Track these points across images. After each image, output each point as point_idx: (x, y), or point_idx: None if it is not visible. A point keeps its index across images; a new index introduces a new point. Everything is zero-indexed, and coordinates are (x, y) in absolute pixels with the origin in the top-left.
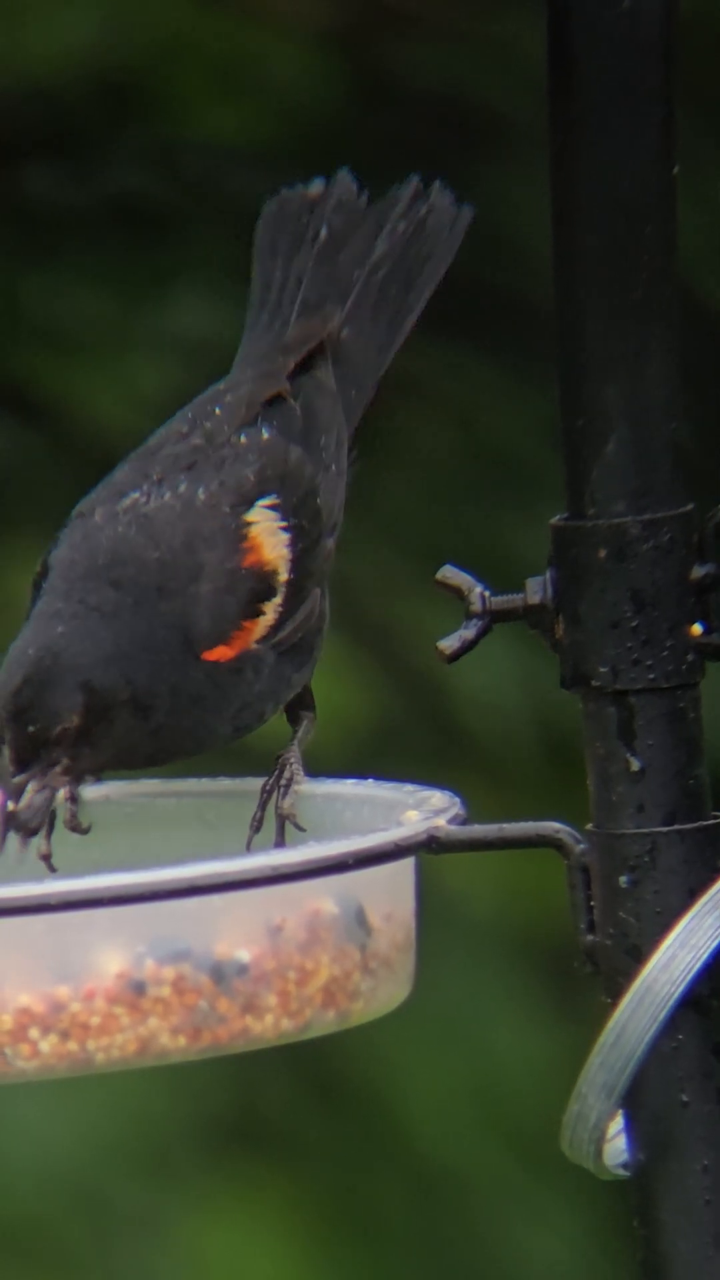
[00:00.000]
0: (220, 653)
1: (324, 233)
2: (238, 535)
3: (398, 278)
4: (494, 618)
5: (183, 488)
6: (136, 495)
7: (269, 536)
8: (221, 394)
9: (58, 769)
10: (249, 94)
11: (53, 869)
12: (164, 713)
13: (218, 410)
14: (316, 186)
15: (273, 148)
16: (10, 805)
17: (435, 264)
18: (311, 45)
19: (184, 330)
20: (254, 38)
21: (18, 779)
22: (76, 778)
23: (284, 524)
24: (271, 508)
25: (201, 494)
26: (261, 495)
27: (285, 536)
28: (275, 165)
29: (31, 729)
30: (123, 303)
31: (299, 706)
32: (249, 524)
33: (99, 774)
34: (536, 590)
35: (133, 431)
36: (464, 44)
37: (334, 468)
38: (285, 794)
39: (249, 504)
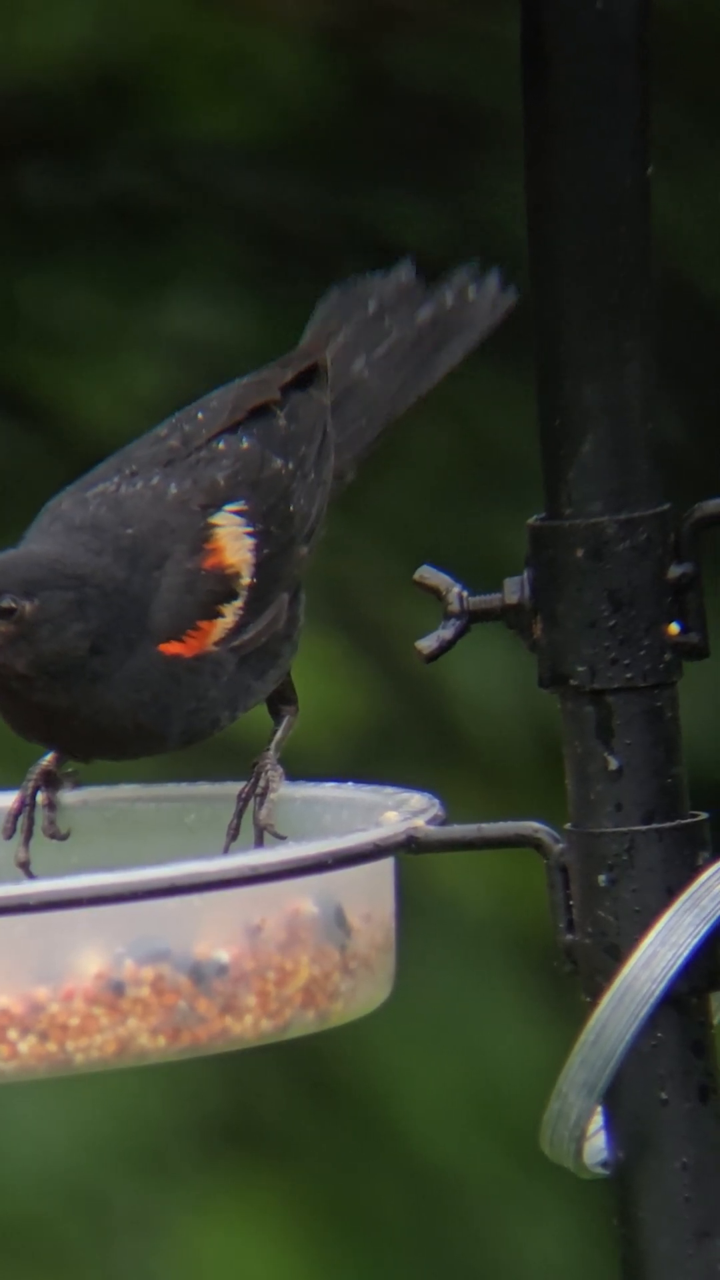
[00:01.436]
0: (175, 649)
1: (373, 305)
2: (202, 535)
3: (431, 340)
4: (472, 618)
5: (155, 480)
6: (106, 485)
7: (233, 540)
8: (209, 400)
9: None
10: (247, 93)
11: (31, 875)
12: (113, 653)
13: (200, 415)
14: (377, 278)
15: (271, 147)
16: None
17: (470, 333)
18: (309, 44)
19: (181, 330)
20: (252, 37)
21: None
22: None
23: (250, 529)
24: (239, 513)
25: (173, 489)
26: (230, 499)
27: (250, 541)
28: (273, 164)
29: None
30: (120, 303)
31: (280, 701)
32: (214, 526)
33: (71, 755)
34: (514, 590)
35: (130, 432)
36: (462, 43)
37: (312, 476)
38: (262, 803)
39: (217, 506)
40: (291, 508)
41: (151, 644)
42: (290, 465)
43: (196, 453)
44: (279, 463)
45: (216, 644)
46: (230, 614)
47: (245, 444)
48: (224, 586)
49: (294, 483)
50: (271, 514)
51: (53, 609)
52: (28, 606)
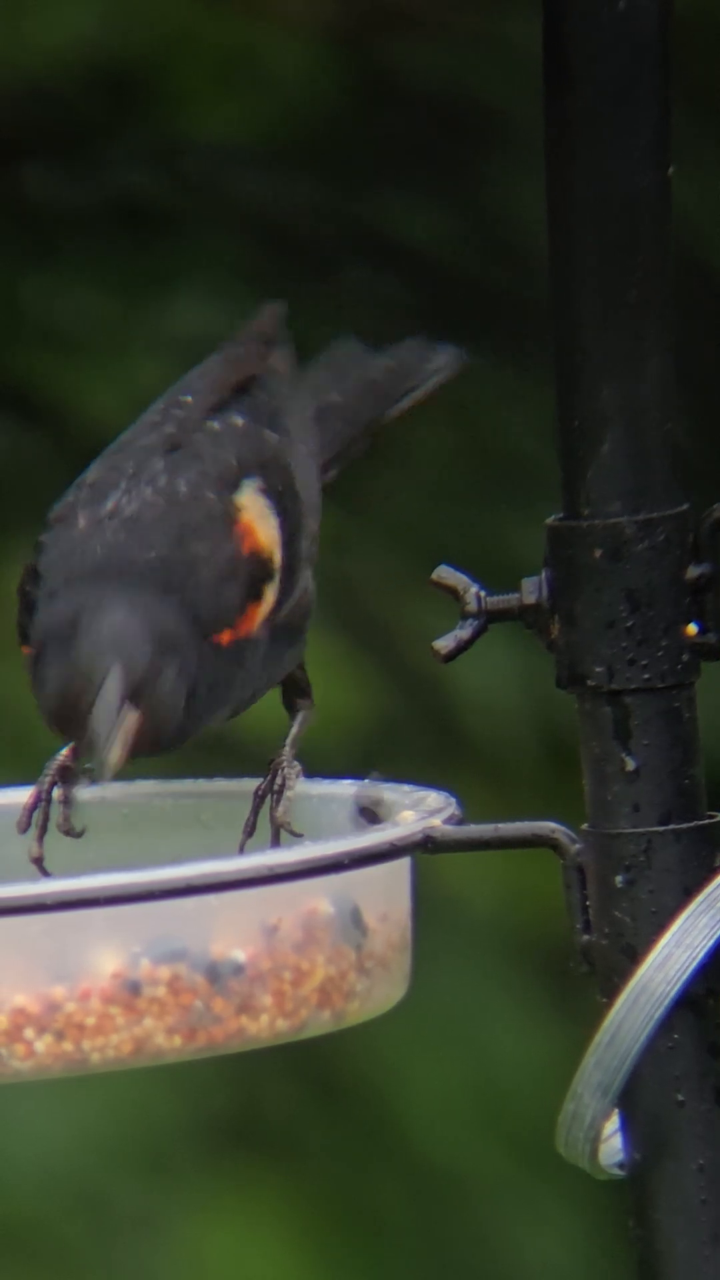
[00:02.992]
0: (225, 636)
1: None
2: (229, 520)
3: (390, 383)
4: (489, 618)
5: (163, 481)
6: (117, 497)
7: (261, 520)
8: (189, 382)
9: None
10: (250, 92)
11: (45, 872)
12: (201, 686)
13: (189, 398)
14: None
15: (275, 146)
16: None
17: (428, 378)
18: (313, 44)
19: (184, 329)
20: (255, 36)
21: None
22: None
23: (272, 506)
24: (259, 491)
25: (183, 486)
26: (246, 477)
27: (275, 520)
28: (276, 164)
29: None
30: (123, 302)
31: (295, 694)
32: (239, 509)
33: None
34: (532, 590)
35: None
36: (465, 43)
37: (303, 449)
38: (279, 801)
39: (235, 487)
40: (297, 484)
41: (205, 640)
42: (283, 438)
43: (194, 435)
44: (273, 437)
45: (260, 625)
46: (271, 594)
47: (239, 421)
48: (262, 570)
49: (290, 456)
50: (285, 492)
51: (164, 684)
52: (131, 699)
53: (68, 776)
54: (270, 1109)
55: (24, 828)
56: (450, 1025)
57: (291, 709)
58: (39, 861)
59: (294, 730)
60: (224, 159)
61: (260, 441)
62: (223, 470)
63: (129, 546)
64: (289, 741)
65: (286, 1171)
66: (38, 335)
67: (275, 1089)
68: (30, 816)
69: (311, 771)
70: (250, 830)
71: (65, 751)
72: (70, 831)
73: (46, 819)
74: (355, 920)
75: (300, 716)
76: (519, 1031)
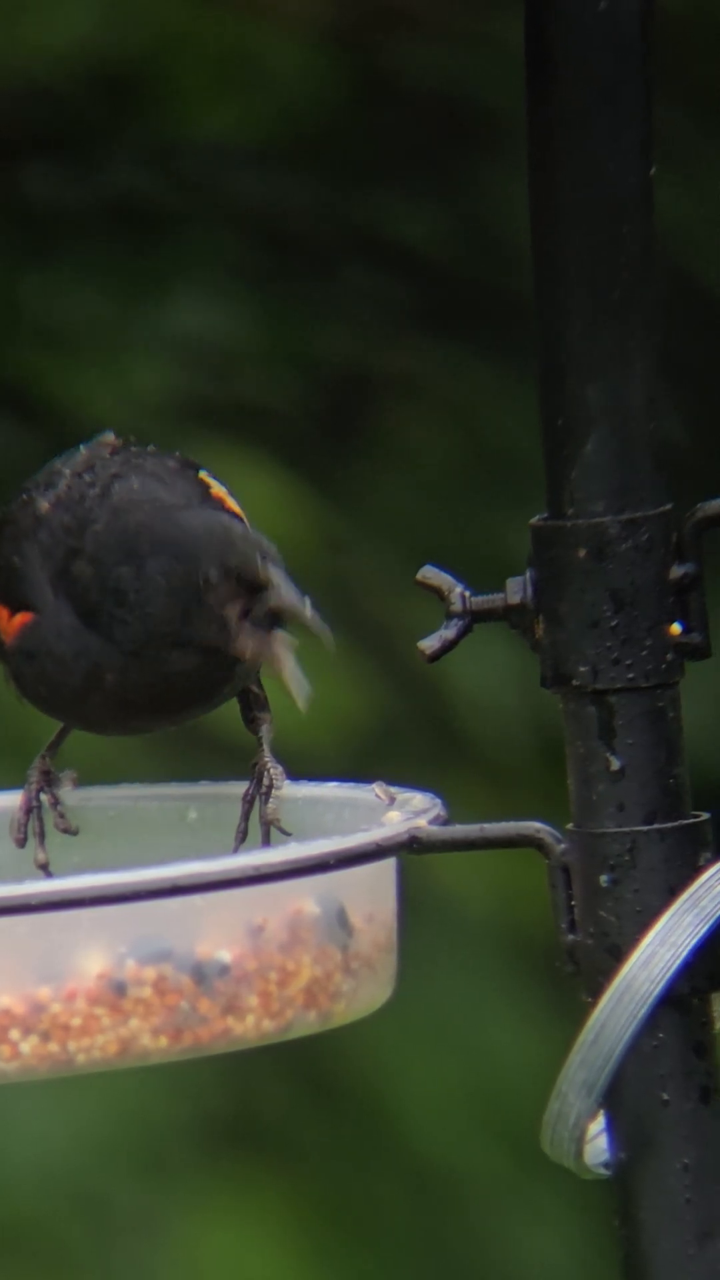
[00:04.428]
0: None
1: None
2: (204, 488)
3: None
4: (474, 618)
5: (133, 478)
6: (101, 484)
7: (229, 498)
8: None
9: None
10: (249, 92)
11: (51, 875)
12: None
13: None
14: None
15: (273, 147)
16: None
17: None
18: (312, 44)
19: (183, 330)
20: (254, 36)
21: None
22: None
23: (228, 491)
24: (212, 476)
25: (135, 483)
26: (196, 467)
27: (236, 503)
28: (275, 164)
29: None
30: (122, 303)
31: (256, 709)
32: (208, 484)
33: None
34: (516, 590)
35: (131, 431)
36: (464, 44)
37: None
38: (267, 799)
39: (194, 468)
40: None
41: None
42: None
43: (115, 463)
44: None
45: None
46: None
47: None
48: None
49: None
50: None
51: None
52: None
53: (51, 780)
54: (267, 1109)
55: (21, 842)
56: (446, 1025)
57: (254, 723)
58: (45, 866)
59: (267, 738)
60: (223, 159)
61: (185, 464)
62: (175, 465)
63: (159, 495)
64: (265, 747)
65: (283, 1171)
66: (37, 335)
67: (272, 1089)
68: (25, 830)
69: (306, 770)
70: (243, 836)
71: (42, 756)
72: (68, 829)
73: (42, 824)
74: (341, 921)
75: (264, 728)
76: (514, 1031)
